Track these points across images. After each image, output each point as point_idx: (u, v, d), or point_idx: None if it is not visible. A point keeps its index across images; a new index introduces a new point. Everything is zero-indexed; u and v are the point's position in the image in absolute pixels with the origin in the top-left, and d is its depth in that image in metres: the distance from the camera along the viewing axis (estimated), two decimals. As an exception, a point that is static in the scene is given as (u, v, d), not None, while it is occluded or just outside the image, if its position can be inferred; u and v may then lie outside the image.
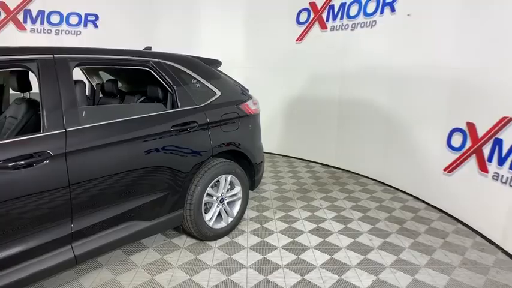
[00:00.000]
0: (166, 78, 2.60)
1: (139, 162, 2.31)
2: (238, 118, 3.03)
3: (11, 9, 5.41)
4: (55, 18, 5.72)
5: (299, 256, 2.74)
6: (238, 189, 3.07)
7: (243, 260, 2.68)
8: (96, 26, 5.95)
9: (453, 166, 3.46)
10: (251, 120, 3.18)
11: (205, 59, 3.05)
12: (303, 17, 5.26)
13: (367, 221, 3.39)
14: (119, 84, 3.34)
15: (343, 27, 4.77)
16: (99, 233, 2.18)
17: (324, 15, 4.99)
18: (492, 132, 2.98)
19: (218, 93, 2.92)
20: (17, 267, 1.83)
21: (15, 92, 2.92)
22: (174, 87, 2.62)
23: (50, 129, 1.92)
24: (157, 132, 2.40)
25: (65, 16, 5.76)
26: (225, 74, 3.17)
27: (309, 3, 5.14)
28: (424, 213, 3.61)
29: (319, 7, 5.04)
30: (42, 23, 5.65)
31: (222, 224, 2.99)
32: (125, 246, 2.77)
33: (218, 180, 2.89)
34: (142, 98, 3.01)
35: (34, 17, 5.58)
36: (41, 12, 5.61)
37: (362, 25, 4.53)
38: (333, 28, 4.91)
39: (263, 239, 3.01)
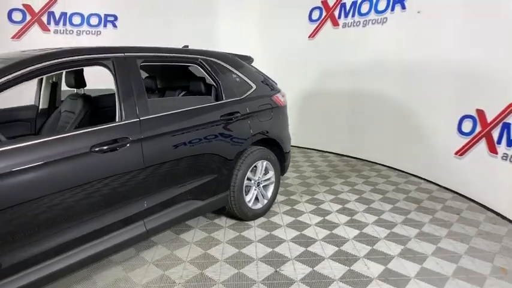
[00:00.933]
0: (212, 73, 2.89)
1: (195, 148, 2.60)
2: (271, 109, 3.33)
3: (36, 11, 5.64)
4: (76, 20, 5.96)
5: (332, 231, 3.05)
6: (271, 173, 3.37)
7: (282, 236, 2.98)
8: (115, 26, 6.20)
9: (464, 150, 3.79)
10: (281, 111, 3.48)
11: (240, 56, 3.34)
12: (315, 14, 5.55)
13: (387, 201, 3.71)
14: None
15: (354, 24, 5.08)
16: (165, 210, 2.47)
17: (336, 13, 5.29)
18: (501, 117, 3.31)
19: (254, 86, 3.22)
20: (104, 237, 2.13)
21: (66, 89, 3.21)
22: (219, 81, 2.91)
23: (127, 118, 2.21)
24: (209, 121, 2.70)
25: (86, 17, 6.01)
26: (256, 69, 3.46)
27: (321, 1, 5.44)
28: (438, 193, 3.94)
29: (331, 5, 5.33)
30: (64, 24, 5.89)
31: (259, 205, 3.29)
32: (176, 226, 3.06)
33: (256, 166, 3.18)
34: (184, 92, 3.29)
35: (57, 18, 5.82)
36: (63, 14, 5.85)
37: (373, 22, 4.83)
38: (344, 25, 5.21)
39: (296, 218, 3.32)
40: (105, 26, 6.16)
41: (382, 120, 4.86)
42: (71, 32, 5.96)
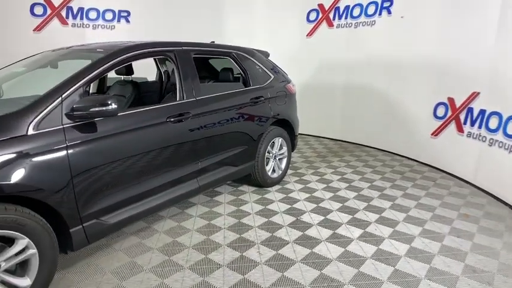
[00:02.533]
0: (242, 64, 3.57)
1: (232, 124, 3.27)
2: (286, 95, 4.03)
3: (56, 6, 6.08)
4: (93, 14, 6.45)
5: (336, 193, 3.81)
6: (285, 149, 4.09)
7: (297, 197, 3.71)
8: (128, 21, 6.72)
9: (438, 131, 4.63)
10: (292, 98, 4.19)
11: (261, 51, 4.02)
12: (313, 16, 6.28)
13: (377, 173, 4.50)
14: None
15: (347, 25, 5.84)
16: (210, 172, 3.14)
17: (331, 15, 6.03)
18: (466, 103, 4.15)
19: (272, 76, 3.91)
20: (175, 188, 2.79)
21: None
22: (247, 71, 3.59)
23: (187, 98, 2.86)
24: (243, 102, 3.38)
25: (101, 12, 6.49)
26: (273, 62, 4.15)
27: (318, 4, 6.17)
28: (417, 167, 4.77)
29: (326, 8, 6.08)
30: (81, 18, 6.36)
31: (275, 175, 4.00)
32: (211, 192, 3.73)
33: (273, 142, 3.89)
34: (213, 81, 3.94)
35: (75, 13, 6.28)
36: (80, 9, 6.32)
37: (363, 24, 5.61)
38: (338, 26, 5.97)
39: (305, 185, 4.06)
40: (118, 21, 6.67)
41: (370, 108, 5.66)
42: (87, 26, 6.44)
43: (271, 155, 3.90)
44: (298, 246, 2.74)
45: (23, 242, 1.88)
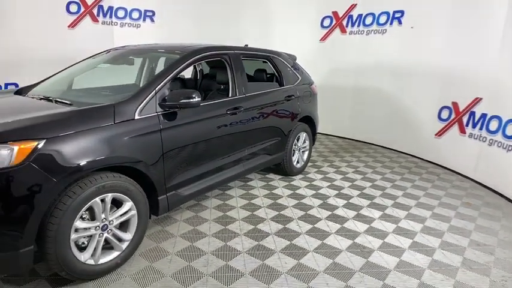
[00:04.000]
0: (277, 66, 4.07)
1: (270, 117, 3.76)
2: (310, 95, 4.54)
3: (89, 4, 6.48)
4: (121, 13, 6.86)
5: (353, 183, 4.33)
6: (307, 143, 4.60)
7: (320, 184, 4.22)
8: (153, 20, 7.15)
9: (442, 131, 5.18)
10: (315, 98, 4.70)
11: (289, 54, 4.52)
12: (326, 22, 6.80)
13: (386, 167, 5.04)
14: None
15: (359, 32, 6.37)
16: (253, 158, 3.63)
17: (344, 22, 6.56)
18: (469, 107, 4.71)
19: (300, 77, 4.42)
20: (227, 170, 3.27)
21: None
22: (281, 72, 4.09)
23: (239, 94, 3.35)
24: (279, 100, 3.88)
25: (128, 11, 6.91)
26: (300, 65, 4.65)
27: (332, 12, 6.69)
28: (422, 164, 5.32)
29: (340, 16, 6.60)
30: (111, 16, 6.76)
31: (299, 165, 4.50)
32: (245, 177, 4.21)
33: (299, 136, 4.39)
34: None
35: (105, 11, 6.69)
36: (110, 8, 6.72)
37: (375, 32, 6.15)
38: (351, 32, 6.50)
39: (325, 175, 4.57)
40: (144, 20, 7.09)
41: (378, 110, 6.20)
42: (115, 23, 6.85)
43: (296, 147, 4.40)
44: (329, 222, 3.25)
45: (128, 204, 2.34)
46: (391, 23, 5.91)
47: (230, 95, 3.34)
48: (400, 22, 5.77)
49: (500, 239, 3.13)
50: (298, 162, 4.49)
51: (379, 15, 6.06)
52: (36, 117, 2.08)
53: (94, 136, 2.15)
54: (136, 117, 2.39)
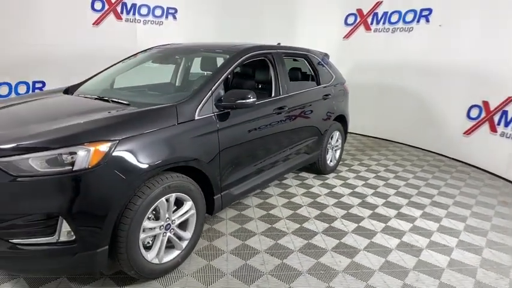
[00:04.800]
0: (314, 65, 4.07)
1: (310, 117, 3.78)
2: (343, 94, 4.55)
3: (112, 2, 6.50)
4: (144, 10, 6.87)
5: (387, 181, 4.34)
6: (340, 141, 4.61)
7: (354, 183, 4.24)
8: (175, 18, 7.16)
9: (471, 130, 5.17)
10: (347, 96, 4.70)
11: (322, 53, 4.51)
12: (350, 20, 6.78)
13: (416, 166, 5.04)
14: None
15: (384, 30, 6.35)
16: (294, 157, 3.66)
17: (369, 20, 6.53)
18: (501, 106, 4.70)
19: (334, 76, 4.42)
20: (271, 169, 3.30)
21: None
22: (317, 71, 4.10)
23: (283, 93, 3.36)
24: (318, 99, 3.89)
25: (151, 8, 6.92)
26: (333, 64, 4.65)
27: (356, 9, 6.66)
28: (450, 162, 5.32)
29: (365, 13, 6.57)
30: (134, 13, 6.77)
31: (332, 164, 4.52)
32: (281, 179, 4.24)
33: (333, 135, 4.40)
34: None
35: (128, 8, 6.70)
36: (133, 5, 6.73)
37: (401, 30, 6.12)
38: (376, 30, 6.47)
39: (357, 174, 4.58)
40: (166, 17, 7.10)
41: (403, 107, 6.18)
42: (138, 21, 6.85)
43: (330, 146, 4.42)
44: (373, 221, 3.27)
45: (188, 204, 2.38)
46: (418, 21, 5.88)
47: (273, 95, 3.35)
48: (427, 20, 5.74)
49: (545, 238, 3.14)
50: (331, 161, 4.51)
51: (406, 13, 6.03)
52: (106, 118, 2.12)
53: (161, 136, 2.18)
54: (196, 117, 2.42)
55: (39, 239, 1.83)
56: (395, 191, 4.05)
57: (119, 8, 6.61)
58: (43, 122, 2.11)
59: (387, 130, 6.56)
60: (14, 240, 1.82)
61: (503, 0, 4.70)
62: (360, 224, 3.20)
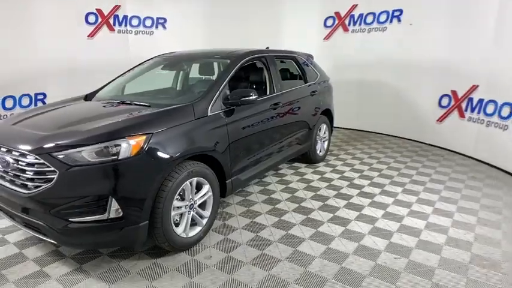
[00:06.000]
0: (301, 65, 4.57)
1: (300, 111, 4.26)
2: (328, 90, 5.06)
3: (105, 14, 6.85)
4: (135, 21, 7.24)
5: (371, 166, 4.86)
6: (327, 133, 5.12)
7: (342, 169, 4.74)
8: (164, 27, 7.56)
9: (442, 117, 5.78)
10: (331, 92, 5.22)
11: (308, 54, 5.02)
12: (329, 22, 7.33)
13: (395, 152, 5.60)
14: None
15: (361, 31, 6.92)
16: (289, 147, 4.13)
17: (346, 21, 7.10)
18: (467, 94, 5.31)
19: (319, 74, 4.93)
20: (270, 158, 3.75)
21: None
22: (304, 70, 4.59)
23: (277, 91, 3.83)
24: (306, 95, 4.38)
25: (142, 19, 7.30)
26: (317, 64, 5.16)
27: (334, 12, 7.22)
28: (426, 148, 5.91)
29: (342, 15, 7.13)
30: (126, 25, 7.14)
31: (321, 153, 5.01)
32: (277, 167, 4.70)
33: (320, 127, 4.90)
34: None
35: (120, 20, 7.06)
36: (125, 17, 7.10)
37: (376, 30, 6.70)
38: (353, 31, 7.04)
39: (344, 161, 5.10)
40: (156, 27, 7.50)
41: (382, 101, 6.76)
42: (130, 32, 7.23)
43: (319, 137, 4.92)
44: (361, 198, 3.77)
45: (206, 187, 2.81)
46: (391, 21, 6.48)
47: (269, 93, 3.82)
48: (399, 20, 6.34)
49: (505, 202, 3.72)
50: (320, 151, 5.01)
51: (380, 14, 6.62)
52: (139, 117, 2.54)
53: (183, 130, 2.62)
54: (209, 113, 2.86)
55: (93, 217, 2.24)
56: (379, 173, 4.58)
57: (111, 20, 6.97)
58: (85, 122, 2.51)
59: (368, 122, 7.12)
60: (73, 219, 2.22)
61: (465, 1, 5.32)
62: (350, 201, 3.69)
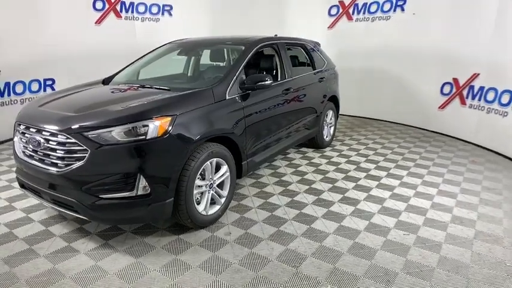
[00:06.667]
0: (310, 52, 4.67)
1: (309, 97, 4.37)
2: (335, 77, 5.17)
3: (112, 1, 6.86)
4: (141, 8, 7.26)
5: (376, 151, 5.01)
6: (333, 119, 5.25)
7: (348, 153, 4.89)
8: (170, 14, 7.59)
9: (444, 104, 5.92)
10: (337, 79, 5.33)
11: (315, 42, 5.11)
12: (333, 11, 7.39)
13: (399, 137, 5.75)
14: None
15: (365, 19, 7.00)
16: (298, 132, 4.26)
17: (350, 10, 7.17)
18: (468, 82, 5.44)
19: (326, 62, 5.03)
20: (281, 142, 3.89)
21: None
22: (313, 57, 4.69)
23: (288, 77, 3.93)
24: (315, 81, 4.50)
25: (148, 6, 7.32)
26: (324, 51, 5.25)
27: (339, 1, 7.28)
28: (428, 134, 6.07)
29: (346, 4, 7.20)
30: (132, 12, 7.17)
31: (327, 139, 5.15)
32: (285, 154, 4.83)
33: (327, 113, 5.03)
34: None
35: (127, 7, 7.08)
36: (131, 3, 7.12)
37: (379, 18, 6.78)
38: (357, 20, 7.11)
39: (350, 147, 5.24)
40: (162, 14, 7.52)
41: (385, 89, 6.88)
42: (136, 18, 7.25)
43: (325, 123, 5.05)
44: (369, 180, 3.92)
45: (224, 167, 2.95)
46: (394, 10, 6.56)
47: (280, 78, 3.92)
48: (402, 9, 6.42)
49: (505, 184, 3.89)
50: (327, 136, 5.14)
51: (383, 3, 6.69)
52: (163, 99, 2.65)
53: (204, 112, 2.74)
54: (227, 97, 2.98)
55: (122, 194, 2.36)
56: (384, 157, 4.73)
57: (118, 7, 6.99)
58: (111, 104, 2.62)
59: (371, 109, 7.26)
60: (103, 196, 2.35)
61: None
62: (358, 183, 3.84)
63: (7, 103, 5.36)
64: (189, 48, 4.20)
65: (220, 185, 3.00)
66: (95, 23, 6.74)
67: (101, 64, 6.67)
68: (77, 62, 6.42)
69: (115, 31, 6.96)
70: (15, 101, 5.50)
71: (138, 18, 7.28)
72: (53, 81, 6.15)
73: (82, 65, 6.46)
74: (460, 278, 2.29)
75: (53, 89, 6.10)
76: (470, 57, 5.39)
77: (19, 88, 5.56)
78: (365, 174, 4.11)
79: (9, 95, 5.39)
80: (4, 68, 5.25)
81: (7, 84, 5.34)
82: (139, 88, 3.15)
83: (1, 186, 3.70)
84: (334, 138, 5.52)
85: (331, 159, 4.64)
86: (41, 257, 2.50)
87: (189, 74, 4.52)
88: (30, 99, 5.69)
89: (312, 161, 4.58)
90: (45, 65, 5.98)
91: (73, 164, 2.35)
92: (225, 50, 4.06)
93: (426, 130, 6.30)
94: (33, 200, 3.34)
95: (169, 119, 2.46)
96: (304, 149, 5.05)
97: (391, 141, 5.55)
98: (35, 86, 5.83)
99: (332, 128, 5.29)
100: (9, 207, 3.22)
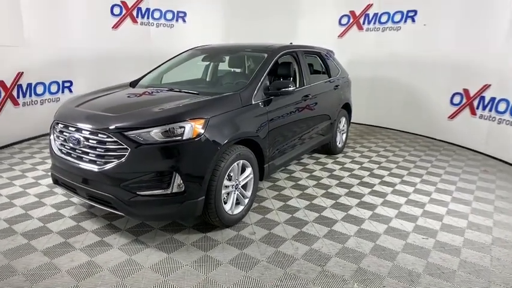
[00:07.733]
0: (326, 60, 4.80)
1: (325, 104, 4.50)
2: (348, 85, 5.30)
3: (129, 6, 7.04)
4: (156, 14, 7.45)
5: (388, 158, 5.12)
6: (346, 126, 5.37)
7: (361, 160, 4.99)
8: (184, 21, 7.77)
9: (454, 114, 6.04)
10: (350, 87, 5.46)
11: (329, 50, 5.25)
12: (344, 20, 7.56)
13: (408, 146, 5.86)
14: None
15: (375, 29, 7.16)
16: (314, 137, 4.37)
17: (361, 20, 7.33)
18: (479, 92, 5.57)
19: (340, 70, 5.17)
20: (300, 146, 4.00)
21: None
22: (328, 65, 4.83)
23: (306, 84, 4.06)
24: (330, 89, 4.63)
25: (163, 13, 7.50)
26: (337, 60, 5.40)
27: (349, 11, 7.44)
28: (437, 143, 6.18)
29: (357, 14, 7.36)
30: (148, 17, 7.34)
31: (340, 145, 5.27)
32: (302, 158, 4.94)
33: (340, 120, 5.15)
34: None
35: (143, 13, 7.26)
36: (147, 10, 7.30)
37: (390, 29, 6.94)
38: (367, 29, 7.27)
39: (361, 154, 5.35)
40: (177, 20, 7.70)
41: (394, 98, 7.01)
42: (152, 24, 7.43)
43: (338, 130, 5.17)
44: (384, 186, 4.03)
45: (248, 169, 3.06)
46: (405, 21, 6.71)
47: (299, 85, 4.04)
48: (413, 20, 6.58)
49: (518, 194, 3.99)
50: (339, 142, 5.26)
51: (394, 14, 6.85)
52: (195, 103, 2.77)
53: (232, 116, 2.85)
54: (253, 102, 3.10)
55: (158, 191, 2.48)
56: (396, 165, 4.84)
57: (134, 13, 7.16)
58: (147, 106, 2.76)
59: (380, 118, 7.38)
60: (140, 192, 2.46)
61: (476, 2, 5.57)
62: (373, 189, 3.95)
63: (28, 103, 5.49)
64: (213, 54, 4.33)
65: (244, 186, 3.10)
66: (112, 27, 6.91)
67: (117, 67, 6.85)
68: (94, 64, 6.56)
69: (131, 36, 7.13)
70: (36, 102, 5.63)
71: (154, 24, 7.46)
72: (71, 83, 6.29)
73: (99, 67, 6.61)
74: (482, 281, 2.39)
75: (70, 90, 6.24)
76: (481, 68, 5.52)
77: (39, 89, 5.69)
78: (379, 180, 4.22)
79: (30, 95, 5.52)
80: (27, 69, 5.39)
81: (29, 85, 5.47)
82: (170, 91, 3.27)
83: (28, 183, 3.82)
84: (345, 145, 5.63)
85: (345, 165, 4.74)
86: (77, 250, 2.60)
87: (210, 79, 4.64)
88: (49, 101, 5.83)
89: (326, 166, 4.69)
90: (64, 68, 6.13)
91: (112, 161, 2.46)
92: (245, 56, 4.18)
93: (435, 139, 6.41)
94: (60, 197, 3.46)
95: (203, 121, 2.58)
96: (316, 155, 5.16)
97: (401, 149, 5.66)
98: (54, 88, 5.97)
99: (344, 135, 5.41)
100: (39, 203, 3.33)
